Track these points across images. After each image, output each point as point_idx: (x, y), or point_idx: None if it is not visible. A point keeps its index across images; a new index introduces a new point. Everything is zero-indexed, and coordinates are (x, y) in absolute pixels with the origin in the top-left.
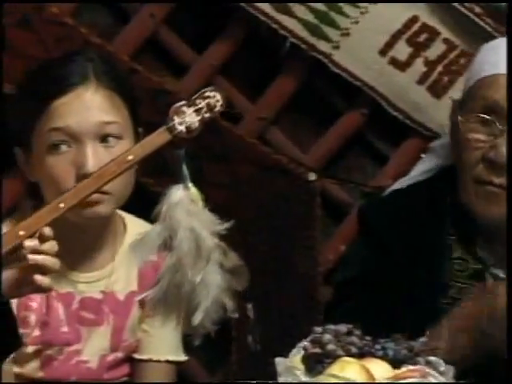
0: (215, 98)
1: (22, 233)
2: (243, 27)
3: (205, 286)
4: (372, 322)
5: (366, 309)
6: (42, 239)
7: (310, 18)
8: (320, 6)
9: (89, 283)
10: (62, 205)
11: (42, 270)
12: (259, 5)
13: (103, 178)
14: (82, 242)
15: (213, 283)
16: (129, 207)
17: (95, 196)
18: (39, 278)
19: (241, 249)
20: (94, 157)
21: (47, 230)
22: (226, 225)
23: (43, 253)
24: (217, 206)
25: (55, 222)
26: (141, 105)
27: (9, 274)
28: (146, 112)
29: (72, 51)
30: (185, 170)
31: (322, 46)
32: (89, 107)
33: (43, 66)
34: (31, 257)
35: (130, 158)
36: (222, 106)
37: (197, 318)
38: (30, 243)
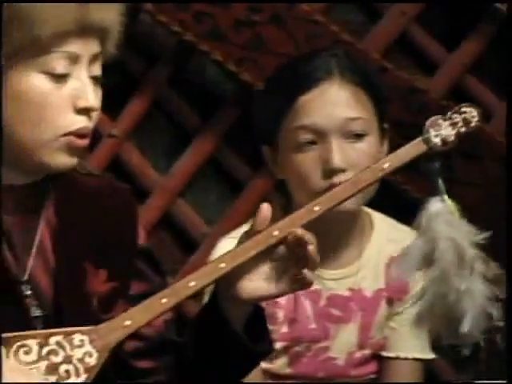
0: (471, 113)
1: (276, 233)
2: (494, 25)
3: (470, 295)
4: None
5: None
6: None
7: None
8: None
9: (336, 280)
10: (316, 208)
11: (305, 266)
12: None
13: (358, 184)
14: (329, 238)
15: (477, 292)
16: (377, 205)
17: None
18: (309, 274)
19: (490, 249)
20: (340, 153)
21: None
22: (485, 235)
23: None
24: (467, 206)
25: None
26: (391, 103)
27: (260, 273)
28: (396, 110)
29: (318, 48)
30: (441, 182)
31: None
32: (334, 103)
33: (289, 63)
34: (312, 248)
35: (386, 166)
36: (478, 121)
37: (464, 327)
38: (310, 235)
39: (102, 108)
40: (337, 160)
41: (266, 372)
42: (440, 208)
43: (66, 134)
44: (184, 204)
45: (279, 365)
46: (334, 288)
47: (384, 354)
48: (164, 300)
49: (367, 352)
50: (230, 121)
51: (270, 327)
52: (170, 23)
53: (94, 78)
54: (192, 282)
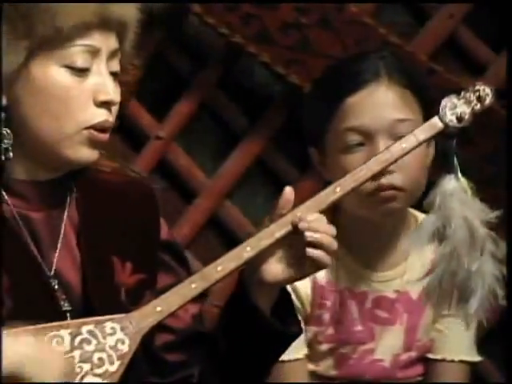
0: (485, 91)
1: (300, 215)
2: None
3: (480, 275)
4: None
5: None
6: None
7: None
8: None
9: (383, 282)
10: (338, 189)
11: (320, 248)
12: None
13: (379, 164)
14: (376, 240)
15: (487, 272)
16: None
17: (389, 192)
18: (319, 253)
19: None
20: None
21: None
22: (497, 213)
23: (321, 232)
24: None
25: (350, 219)
26: (438, 105)
27: (282, 255)
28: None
29: (366, 50)
30: (455, 160)
31: None
32: (381, 105)
33: (336, 64)
34: (309, 233)
35: (404, 145)
36: (491, 99)
37: (472, 306)
38: (311, 217)
39: (149, 109)
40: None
41: (312, 374)
42: (454, 186)
43: (87, 128)
44: (231, 206)
45: (325, 367)
46: (381, 290)
47: (430, 356)
48: (193, 285)
49: (413, 354)
50: (277, 123)
51: (316, 329)
52: (218, 25)
53: (113, 74)
54: (220, 267)
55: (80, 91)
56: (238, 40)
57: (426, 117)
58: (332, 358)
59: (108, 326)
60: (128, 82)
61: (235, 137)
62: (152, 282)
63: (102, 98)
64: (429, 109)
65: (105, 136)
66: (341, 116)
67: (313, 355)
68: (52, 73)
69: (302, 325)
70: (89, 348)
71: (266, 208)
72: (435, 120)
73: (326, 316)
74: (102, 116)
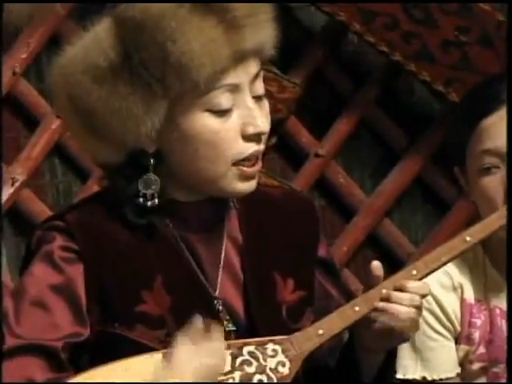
0: None
1: (468, 238)
2: None
3: None
4: None
5: None
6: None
7: None
8: None
9: None
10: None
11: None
12: None
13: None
14: None
15: None
16: None
17: None
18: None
19: None
20: None
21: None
22: None
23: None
24: None
25: (498, 241)
26: None
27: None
28: None
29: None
30: None
31: None
32: None
33: (475, 86)
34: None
35: None
36: None
37: None
38: (396, 294)
39: (308, 127)
40: None
41: None
42: None
43: (236, 163)
44: (390, 224)
45: None
46: None
47: None
48: (357, 308)
49: None
50: (437, 141)
51: (467, 348)
52: (378, 43)
53: (257, 97)
54: (384, 290)
55: (227, 130)
56: (398, 58)
57: None
58: (484, 378)
59: (269, 347)
60: (287, 100)
61: (394, 155)
62: (311, 298)
63: (251, 131)
64: None
65: (254, 169)
66: (477, 138)
67: (465, 374)
68: (197, 119)
69: (453, 343)
70: (250, 370)
71: (425, 226)
72: None
73: (477, 335)
74: (251, 149)
